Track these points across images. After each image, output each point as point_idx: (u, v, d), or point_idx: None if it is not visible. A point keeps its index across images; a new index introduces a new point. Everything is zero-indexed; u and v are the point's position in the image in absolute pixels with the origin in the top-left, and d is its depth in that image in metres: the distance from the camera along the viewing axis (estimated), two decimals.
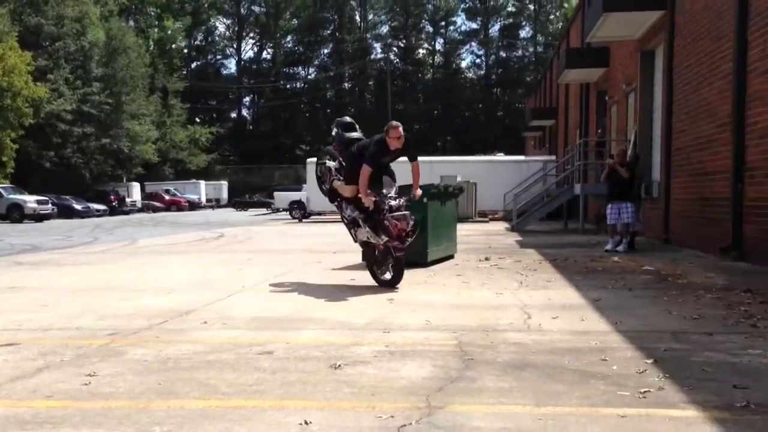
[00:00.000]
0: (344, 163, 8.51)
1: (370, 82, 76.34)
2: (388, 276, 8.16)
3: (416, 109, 71.41)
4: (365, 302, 7.16)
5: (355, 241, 8.64)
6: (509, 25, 75.71)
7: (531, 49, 75.54)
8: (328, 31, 77.94)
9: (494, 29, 76.98)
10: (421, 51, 78.46)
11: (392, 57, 74.07)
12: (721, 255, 10.97)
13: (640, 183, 13.98)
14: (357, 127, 8.91)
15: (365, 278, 9.12)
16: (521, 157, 35.76)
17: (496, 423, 3.41)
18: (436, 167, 27.43)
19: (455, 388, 4.01)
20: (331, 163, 8.87)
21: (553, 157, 31.47)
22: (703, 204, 12.61)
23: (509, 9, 76.17)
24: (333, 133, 8.84)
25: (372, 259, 8.37)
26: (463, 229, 17.44)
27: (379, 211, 7.85)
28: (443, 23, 77.03)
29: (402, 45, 76.75)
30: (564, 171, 24.38)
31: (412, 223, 7.89)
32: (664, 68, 15.53)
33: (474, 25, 77.42)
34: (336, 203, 8.80)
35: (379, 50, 77.97)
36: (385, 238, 7.82)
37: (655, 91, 17.19)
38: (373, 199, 7.85)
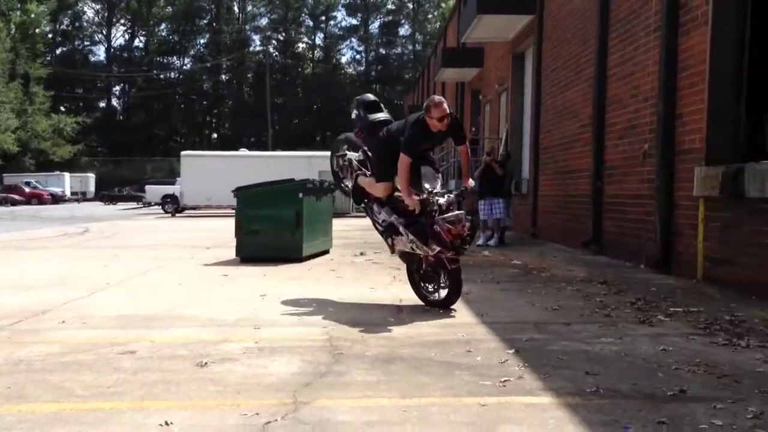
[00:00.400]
0: (370, 154, 6.77)
1: (249, 75, 75.07)
2: (441, 295, 6.41)
3: (296, 104, 70.96)
4: (237, 298, 7.02)
5: (392, 252, 6.82)
6: (389, 22, 76.65)
7: (410, 47, 76.79)
8: (205, 21, 75.92)
9: (374, 26, 77.74)
10: (301, 45, 78.01)
11: (271, 50, 73.17)
12: (583, 249, 11.59)
13: (510, 180, 14.53)
14: (383, 106, 7.06)
15: (238, 273, 8.97)
16: None
17: (362, 416, 3.43)
18: (315, 162, 27.39)
19: (323, 383, 4.00)
20: (352, 155, 7.13)
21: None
22: (567, 200, 13.27)
23: (389, 6, 77.12)
24: (353, 116, 7.01)
25: (418, 275, 6.59)
26: (340, 225, 17.52)
27: (426, 214, 6.11)
28: (323, 18, 76.90)
29: (281, 38, 75.98)
30: (440, 167, 24.94)
31: (469, 224, 6.13)
32: (533, 70, 16.21)
33: (354, 21, 77.84)
34: (363, 205, 7.04)
35: (258, 43, 76.85)
36: (436, 248, 6.06)
37: (525, 91, 17.93)
38: (418, 198, 6.09)
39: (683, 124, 8.68)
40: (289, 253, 10.09)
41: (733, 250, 7.44)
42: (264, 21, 77.66)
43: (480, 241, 12.97)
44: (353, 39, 77.66)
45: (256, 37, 77.27)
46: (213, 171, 28.31)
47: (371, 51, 77.06)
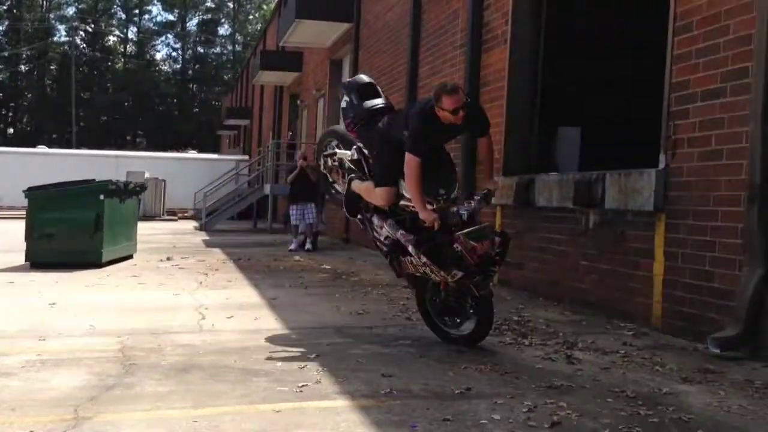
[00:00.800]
0: (366, 151, 5.50)
1: (52, 67, 69.81)
2: (467, 327, 5.03)
3: (105, 99, 66.90)
4: (23, 307, 6.44)
5: (399, 276, 5.36)
6: (208, 20, 74.60)
7: (229, 47, 75.26)
8: (5, 7, 69.60)
9: (192, 23, 75.32)
10: (111, 38, 73.78)
11: (78, 41, 68.59)
12: None
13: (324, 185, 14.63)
14: (380, 90, 5.69)
15: (26, 280, 8.26)
16: (214, 156, 35.51)
17: (148, 430, 3.27)
18: (123, 162, 26.07)
19: (110, 396, 3.76)
20: (343, 153, 5.75)
21: (246, 157, 31.72)
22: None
23: (208, 4, 75.09)
24: (343, 104, 5.57)
25: (434, 306, 5.20)
26: (148, 228, 16.76)
27: (444, 230, 4.73)
28: (137, 11, 73.31)
29: (90, 30, 71.43)
30: (256, 171, 24.68)
31: (499, 240, 4.81)
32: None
33: (171, 17, 74.84)
34: (359, 217, 5.63)
35: (64, 33, 71.66)
36: (458, 274, 4.66)
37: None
38: (433, 209, 4.78)
39: None
40: (87, 259, 9.45)
41: (524, 255, 7.99)
42: (71, 10, 72.58)
43: (292, 246, 12.96)
44: (169, 35, 74.78)
45: (62, 27, 72.06)
46: (5, 169, 26.02)
47: (188, 49, 74.56)
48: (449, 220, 4.72)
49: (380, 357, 4.71)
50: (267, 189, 19.83)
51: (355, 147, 5.61)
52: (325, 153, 5.99)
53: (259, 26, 64.94)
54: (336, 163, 5.86)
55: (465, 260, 4.57)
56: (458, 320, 5.06)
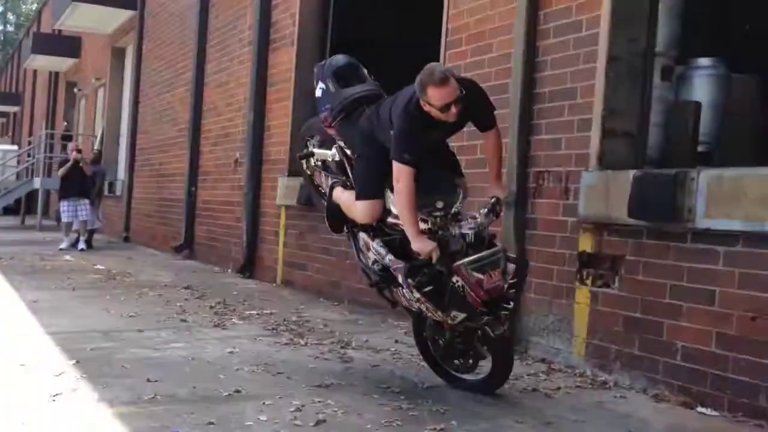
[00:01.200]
0: (348, 151, 4.26)
1: None
2: (476, 372, 4.04)
3: None
4: None
5: (394, 307, 4.24)
6: None
7: (0, 27, 68.49)
8: None
9: None
10: None
11: None
12: (175, 253, 11.50)
13: (102, 180, 13.79)
14: (365, 71, 4.37)
15: None
16: None
17: None
18: None
19: None
20: (322, 152, 4.51)
21: (15, 147, 29.00)
22: (161, 204, 13.07)
23: None
24: (318, 93, 4.29)
25: (437, 347, 4.13)
26: None
27: (446, 260, 3.55)
28: None
29: None
30: (26, 163, 22.66)
31: (514, 267, 3.72)
32: (133, 68, 15.66)
33: None
34: (346, 232, 4.41)
35: None
36: (460, 315, 3.59)
37: (124, 89, 17.25)
38: (429, 228, 3.69)
39: (270, 135, 9.16)
40: None
41: (306, 256, 8.07)
42: None
43: (63, 245, 12.05)
44: None
45: None
46: None
47: None
48: (450, 248, 3.57)
49: (148, 361, 4.50)
50: (37, 183, 18.25)
51: (336, 146, 4.40)
52: (302, 153, 4.75)
53: (34, 6, 59.68)
54: (318, 164, 4.65)
55: (469, 298, 3.51)
56: (471, 362, 4.02)
